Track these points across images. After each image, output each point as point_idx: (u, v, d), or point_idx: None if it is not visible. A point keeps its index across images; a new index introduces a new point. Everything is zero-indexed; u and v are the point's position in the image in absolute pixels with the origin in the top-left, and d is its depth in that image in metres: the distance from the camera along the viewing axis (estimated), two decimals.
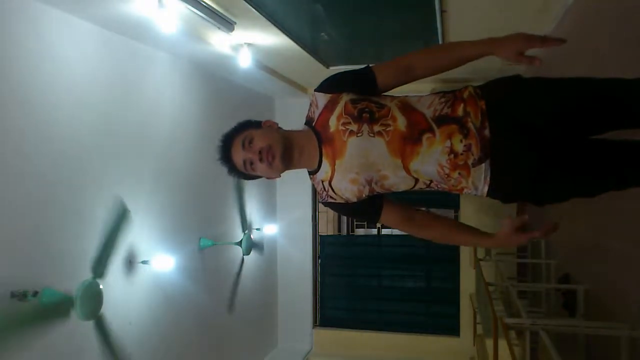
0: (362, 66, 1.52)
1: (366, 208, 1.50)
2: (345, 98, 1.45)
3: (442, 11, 3.68)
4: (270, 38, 4.15)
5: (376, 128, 1.40)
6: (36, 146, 2.91)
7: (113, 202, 3.46)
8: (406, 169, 1.40)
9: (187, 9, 3.24)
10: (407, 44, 4.93)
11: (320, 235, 7.09)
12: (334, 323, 7.03)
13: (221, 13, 3.49)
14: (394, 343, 6.62)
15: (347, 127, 1.42)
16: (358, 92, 1.46)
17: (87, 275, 3.14)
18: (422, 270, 6.99)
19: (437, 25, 3.96)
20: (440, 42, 4.37)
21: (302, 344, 6.82)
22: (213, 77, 5.04)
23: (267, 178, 1.56)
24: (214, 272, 5.00)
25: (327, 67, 5.26)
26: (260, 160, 1.45)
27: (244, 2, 3.30)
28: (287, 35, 4.07)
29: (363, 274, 7.19)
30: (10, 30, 2.75)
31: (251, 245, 5.57)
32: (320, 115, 1.48)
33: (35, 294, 2.75)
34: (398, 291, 7.09)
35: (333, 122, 1.43)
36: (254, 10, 3.44)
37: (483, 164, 1.37)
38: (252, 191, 5.79)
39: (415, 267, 6.95)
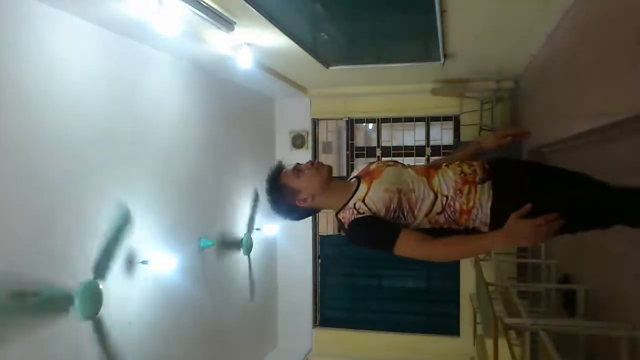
0: None
1: (388, 226, 1.81)
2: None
3: (442, 11, 3.68)
4: (270, 38, 4.14)
5: (407, 166, 1.98)
6: (35, 146, 2.90)
7: (115, 205, 3.49)
8: (429, 184, 1.86)
9: (187, 9, 3.24)
10: (407, 44, 4.93)
11: (320, 235, 7.08)
12: (334, 323, 7.02)
13: (221, 13, 3.49)
14: (394, 343, 6.61)
15: (385, 164, 1.96)
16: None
17: (88, 275, 3.14)
18: (422, 270, 6.99)
19: (437, 25, 3.95)
20: (440, 42, 4.38)
21: (302, 344, 6.81)
22: (213, 77, 5.03)
23: (303, 201, 1.95)
24: (214, 272, 5.00)
25: (327, 67, 5.26)
26: (312, 164, 1.94)
27: (244, 2, 3.30)
28: (287, 35, 4.07)
29: (363, 274, 7.18)
30: (8, 29, 2.74)
31: (251, 245, 5.57)
32: (360, 171, 2.01)
33: (35, 294, 2.76)
34: (398, 291, 7.09)
35: (373, 166, 1.97)
36: (254, 10, 3.44)
37: (486, 184, 1.82)
38: (252, 191, 5.79)
39: (415, 267, 6.93)
